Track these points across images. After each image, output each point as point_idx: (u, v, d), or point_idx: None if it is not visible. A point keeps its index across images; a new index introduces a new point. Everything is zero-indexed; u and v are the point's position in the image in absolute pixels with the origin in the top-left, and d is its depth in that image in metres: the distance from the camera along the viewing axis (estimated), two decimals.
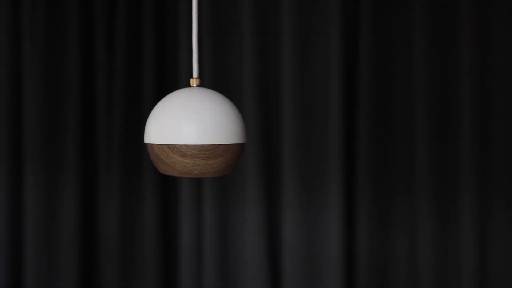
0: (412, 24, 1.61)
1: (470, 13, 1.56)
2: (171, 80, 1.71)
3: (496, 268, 1.60)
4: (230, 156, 0.82)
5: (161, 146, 0.80)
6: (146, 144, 0.83)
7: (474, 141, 1.56)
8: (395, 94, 1.64)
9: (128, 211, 1.77)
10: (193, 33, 0.84)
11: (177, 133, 0.79)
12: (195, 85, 0.85)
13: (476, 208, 1.57)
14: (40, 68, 1.73)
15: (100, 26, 1.75)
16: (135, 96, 1.75)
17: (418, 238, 1.62)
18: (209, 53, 1.69)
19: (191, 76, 0.86)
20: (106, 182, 1.75)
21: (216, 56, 1.70)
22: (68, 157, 1.74)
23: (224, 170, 0.82)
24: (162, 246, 1.77)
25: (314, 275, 1.67)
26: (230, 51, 1.71)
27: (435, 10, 1.60)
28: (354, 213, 1.66)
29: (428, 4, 1.59)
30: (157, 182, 1.74)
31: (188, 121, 0.79)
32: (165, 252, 1.78)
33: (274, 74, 1.68)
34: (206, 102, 0.81)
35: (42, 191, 1.76)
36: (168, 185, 1.76)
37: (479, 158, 1.57)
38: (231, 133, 0.81)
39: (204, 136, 0.79)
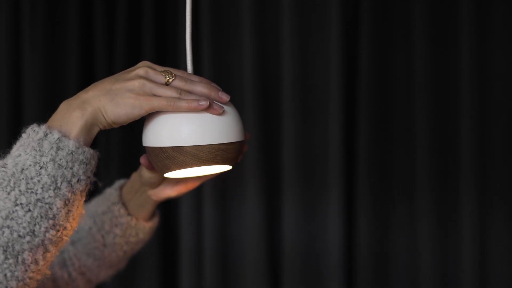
0: (413, 25, 1.61)
1: (471, 13, 1.55)
2: None
3: (496, 269, 1.59)
4: (241, 150, 0.85)
5: (182, 147, 0.79)
6: (157, 147, 0.82)
7: (475, 140, 1.56)
8: (396, 94, 1.64)
9: None
10: (186, 34, 0.84)
11: (212, 132, 0.79)
12: None
13: (476, 207, 1.57)
14: (40, 74, 1.72)
15: (100, 28, 1.75)
16: None
17: (419, 238, 1.62)
18: (208, 53, 1.69)
19: None
20: (106, 182, 1.75)
21: (216, 56, 1.70)
22: None
23: (235, 159, 0.84)
24: (162, 246, 1.77)
25: (315, 275, 1.67)
26: (229, 51, 1.71)
27: (435, 10, 1.59)
28: (354, 213, 1.66)
29: (428, 4, 1.59)
30: None
31: (203, 119, 0.79)
32: (165, 252, 1.78)
33: (274, 74, 1.68)
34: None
35: None
36: None
37: (479, 157, 1.57)
38: (241, 130, 0.83)
39: (227, 134, 0.80)
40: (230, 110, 0.82)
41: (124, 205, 1.04)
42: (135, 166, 1.74)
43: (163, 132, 0.80)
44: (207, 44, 1.69)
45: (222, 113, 0.79)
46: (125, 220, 1.04)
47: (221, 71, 1.70)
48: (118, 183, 1.08)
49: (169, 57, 1.77)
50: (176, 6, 1.74)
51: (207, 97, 0.79)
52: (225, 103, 0.81)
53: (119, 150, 1.74)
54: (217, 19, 1.70)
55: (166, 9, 1.76)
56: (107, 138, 1.74)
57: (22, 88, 1.73)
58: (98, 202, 1.07)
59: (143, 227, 1.06)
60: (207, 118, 0.79)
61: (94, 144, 0.79)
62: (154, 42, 1.74)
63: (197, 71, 1.70)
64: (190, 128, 0.78)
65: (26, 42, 1.72)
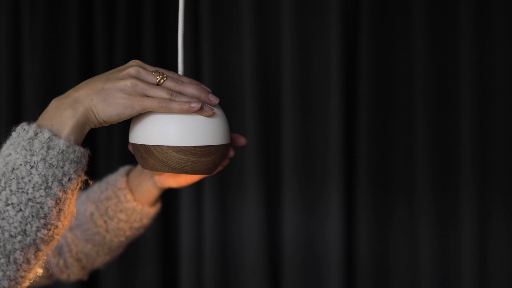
0: (413, 25, 1.61)
1: (471, 14, 1.55)
2: None
3: (496, 269, 1.59)
4: (220, 155, 0.83)
5: (158, 146, 0.79)
6: (137, 144, 0.82)
7: (475, 140, 1.56)
8: (395, 94, 1.64)
9: None
10: (178, 35, 0.84)
11: (175, 133, 0.78)
12: None
13: (476, 207, 1.57)
14: (40, 74, 1.72)
15: (100, 28, 1.75)
16: None
17: (419, 238, 1.62)
18: (208, 53, 1.69)
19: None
20: None
21: (216, 56, 1.70)
22: None
23: (212, 169, 0.83)
24: (162, 246, 1.77)
25: (315, 275, 1.67)
26: (229, 51, 1.71)
27: (435, 10, 1.59)
28: (354, 213, 1.66)
29: (428, 4, 1.59)
30: None
31: (185, 121, 0.78)
32: (165, 252, 1.78)
33: (274, 74, 1.68)
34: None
35: None
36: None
37: (480, 157, 1.57)
38: (224, 134, 0.82)
39: (200, 137, 0.79)
40: (218, 113, 0.82)
41: (130, 190, 1.05)
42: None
43: (147, 131, 0.80)
44: (207, 44, 1.69)
45: (212, 115, 0.80)
46: (131, 206, 1.04)
47: (221, 71, 1.70)
48: (123, 169, 1.09)
49: (169, 57, 1.76)
50: (176, 5, 1.73)
51: (197, 99, 0.79)
52: (214, 106, 0.81)
53: (119, 150, 1.74)
54: (217, 19, 1.70)
55: (166, 8, 1.76)
56: (108, 138, 1.74)
57: (22, 88, 1.73)
58: (101, 188, 1.08)
59: (147, 213, 1.07)
60: (195, 119, 0.79)
61: (95, 145, 0.79)
62: (154, 42, 1.74)
63: (197, 71, 1.71)
64: (176, 129, 0.78)
65: (26, 42, 1.72)
